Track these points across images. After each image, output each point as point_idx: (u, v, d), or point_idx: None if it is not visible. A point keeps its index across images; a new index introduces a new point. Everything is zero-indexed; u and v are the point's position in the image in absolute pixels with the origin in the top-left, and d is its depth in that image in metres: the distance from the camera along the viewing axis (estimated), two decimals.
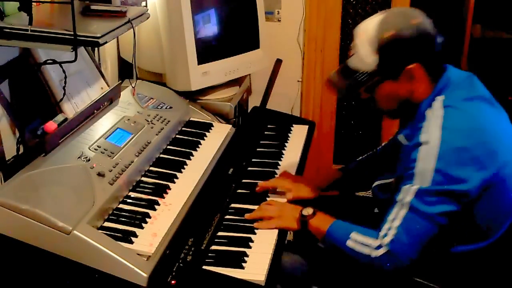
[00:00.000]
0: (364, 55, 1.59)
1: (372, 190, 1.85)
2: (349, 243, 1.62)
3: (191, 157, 1.98)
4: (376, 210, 1.90)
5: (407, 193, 1.54)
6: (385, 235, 1.57)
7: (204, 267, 1.56)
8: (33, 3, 1.55)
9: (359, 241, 1.61)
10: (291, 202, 1.88)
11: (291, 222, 1.75)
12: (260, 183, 1.95)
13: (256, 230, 1.74)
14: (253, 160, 2.16)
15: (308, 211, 1.74)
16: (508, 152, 1.59)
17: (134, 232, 1.54)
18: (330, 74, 1.72)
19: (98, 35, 1.55)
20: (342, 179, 2.05)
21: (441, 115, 1.55)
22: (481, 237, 1.63)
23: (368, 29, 1.58)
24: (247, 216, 1.77)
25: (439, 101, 1.58)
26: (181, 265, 1.52)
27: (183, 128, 2.17)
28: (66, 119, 1.74)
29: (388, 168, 1.85)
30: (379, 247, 1.58)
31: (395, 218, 1.56)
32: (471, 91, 1.62)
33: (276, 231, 1.75)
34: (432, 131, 1.53)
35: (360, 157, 2.09)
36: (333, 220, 1.70)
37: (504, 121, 1.66)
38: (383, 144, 2.07)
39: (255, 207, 1.85)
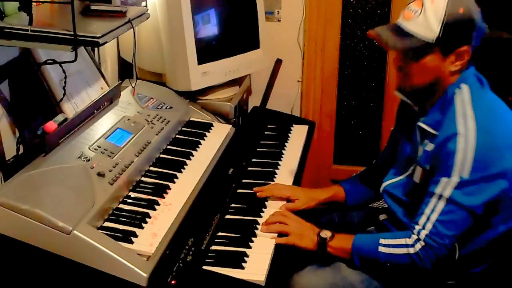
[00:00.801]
0: (430, 22, 1.56)
1: (384, 191, 1.82)
2: (382, 249, 1.62)
3: (191, 157, 1.98)
4: (382, 218, 1.89)
5: (446, 186, 1.55)
6: (422, 229, 1.57)
7: (204, 267, 1.56)
8: (33, 3, 1.56)
9: (392, 244, 1.62)
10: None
11: (309, 243, 1.74)
12: (259, 193, 1.92)
13: (256, 230, 1.74)
14: (253, 160, 2.16)
15: (326, 233, 1.73)
16: None
17: (134, 232, 1.54)
18: (378, 28, 1.67)
19: (98, 35, 1.55)
20: (345, 202, 2.01)
21: (471, 105, 1.57)
22: (506, 219, 1.65)
23: (440, 0, 1.58)
24: (263, 228, 1.75)
25: (466, 90, 1.60)
26: (181, 265, 1.52)
27: (183, 128, 2.17)
28: (66, 119, 1.74)
29: (392, 166, 1.84)
30: (415, 242, 1.58)
31: (432, 211, 1.57)
32: (484, 85, 1.67)
33: (276, 233, 1.75)
34: (467, 122, 1.54)
35: (361, 172, 2.05)
36: (354, 236, 1.70)
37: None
38: (381, 154, 2.05)
39: (255, 207, 1.86)
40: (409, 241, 1.60)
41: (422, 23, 1.57)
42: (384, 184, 1.82)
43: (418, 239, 1.58)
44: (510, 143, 1.56)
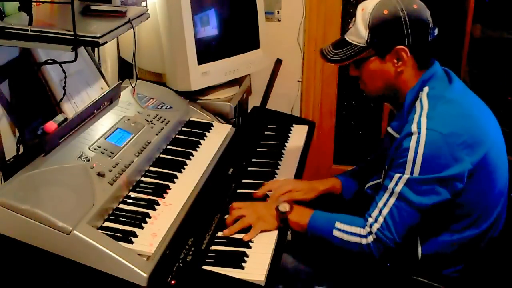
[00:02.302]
0: (359, 29, 1.65)
1: (364, 193, 1.85)
2: (336, 233, 1.65)
3: (191, 157, 1.98)
4: None
5: (398, 182, 1.58)
6: (374, 222, 1.61)
7: (204, 267, 1.56)
8: (33, 3, 1.56)
9: (346, 231, 1.64)
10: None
11: (272, 221, 1.74)
12: (256, 192, 1.92)
13: None
14: (253, 160, 2.16)
15: (284, 206, 1.75)
16: (492, 137, 1.65)
17: (134, 232, 1.54)
18: (327, 45, 1.77)
19: (98, 35, 1.55)
20: (341, 194, 2.03)
21: (427, 106, 1.60)
22: (474, 224, 1.66)
23: (368, 5, 1.65)
24: (225, 232, 1.71)
25: (424, 92, 1.64)
26: (181, 265, 1.52)
27: (183, 128, 2.18)
28: (66, 119, 1.74)
29: (380, 168, 1.86)
30: (368, 234, 1.62)
31: (384, 205, 1.60)
32: (451, 81, 1.68)
33: (276, 230, 1.75)
34: (420, 121, 1.57)
35: (355, 167, 2.08)
36: (312, 212, 1.72)
37: (484, 107, 1.71)
38: (375, 151, 2.07)
39: None
40: (363, 231, 1.63)
41: (354, 32, 1.67)
42: (368, 184, 1.87)
43: (370, 232, 1.62)
44: (469, 144, 1.55)
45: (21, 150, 1.74)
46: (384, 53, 1.64)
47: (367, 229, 1.62)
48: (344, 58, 1.68)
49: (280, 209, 1.74)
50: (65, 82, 1.82)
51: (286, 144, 2.31)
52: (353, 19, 1.69)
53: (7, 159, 1.69)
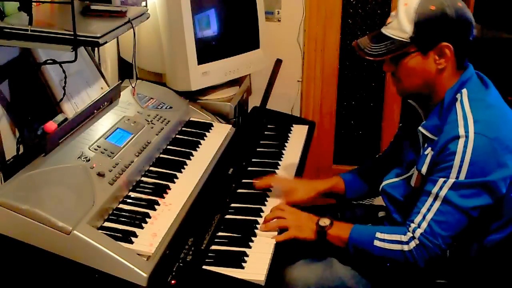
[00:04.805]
0: (402, 24, 1.61)
1: (382, 190, 1.83)
2: (377, 243, 1.63)
3: (191, 157, 1.98)
4: (380, 215, 1.89)
5: (442, 186, 1.55)
6: (417, 227, 1.58)
7: (204, 267, 1.56)
8: (33, 3, 1.56)
9: (387, 239, 1.62)
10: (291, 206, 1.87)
11: (309, 233, 1.74)
12: (257, 182, 1.95)
13: (256, 230, 1.74)
14: (253, 160, 2.16)
15: (325, 221, 1.73)
16: None
17: (134, 232, 1.54)
18: (360, 38, 1.73)
19: (98, 35, 1.55)
20: (344, 194, 2.01)
21: (470, 109, 1.58)
22: (505, 226, 1.65)
23: (412, 0, 1.61)
24: (262, 227, 1.74)
25: (464, 95, 1.61)
26: (181, 265, 1.52)
27: (183, 128, 2.18)
28: (66, 119, 1.74)
29: (395, 165, 1.84)
30: (410, 240, 1.59)
31: (428, 210, 1.57)
32: (487, 86, 1.67)
33: (276, 231, 1.75)
34: (468, 124, 1.55)
35: (361, 166, 2.06)
36: (352, 226, 1.71)
37: None
38: (385, 150, 2.05)
39: (255, 207, 1.86)
40: (404, 238, 1.61)
41: (396, 26, 1.62)
42: (384, 183, 1.82)
43: (413, 237, 1.59)
44: (511, 149, 1.55)
45: (21, 150, 1.74)
46: (427, 49, 1.61)
47: (409, 234, 1.59)
48: (384, 52, 1.64)
49: (320, 224, 1.73)
50: (65, 82, 1.82)
51: (286, 144, 2.31)
52: (393, 13, 1.65)
53: (7, 159, 1.69)
